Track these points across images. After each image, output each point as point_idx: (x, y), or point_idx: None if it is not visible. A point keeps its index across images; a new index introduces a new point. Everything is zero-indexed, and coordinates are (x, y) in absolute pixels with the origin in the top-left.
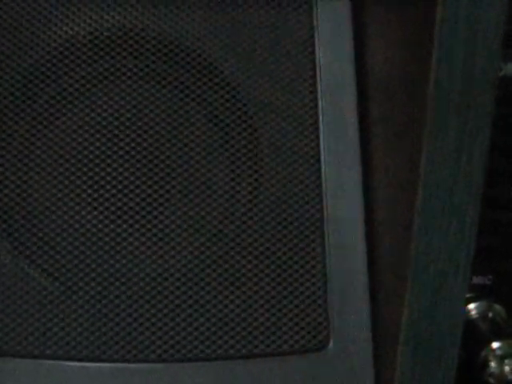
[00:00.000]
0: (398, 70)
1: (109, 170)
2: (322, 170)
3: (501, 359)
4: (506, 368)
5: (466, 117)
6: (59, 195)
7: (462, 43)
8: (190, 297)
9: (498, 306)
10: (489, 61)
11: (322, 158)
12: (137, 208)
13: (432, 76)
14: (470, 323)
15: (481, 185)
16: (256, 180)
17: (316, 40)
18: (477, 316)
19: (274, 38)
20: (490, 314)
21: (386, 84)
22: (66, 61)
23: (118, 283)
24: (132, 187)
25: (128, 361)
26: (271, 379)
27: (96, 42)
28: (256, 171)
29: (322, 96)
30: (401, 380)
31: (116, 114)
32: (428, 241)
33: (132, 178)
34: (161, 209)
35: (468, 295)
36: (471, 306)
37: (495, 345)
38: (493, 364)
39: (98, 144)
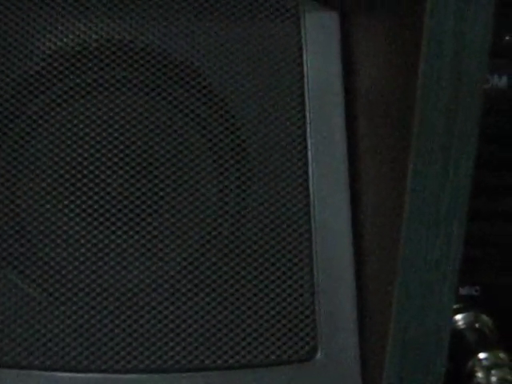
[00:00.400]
0: (386, 83)
1: (97, 180)
2: (310, 180)
3: (487, 370)
4: (493, 378)
5: (453, 129)
6: (47, 205)
7: (448, 55)
8: (178, 307)
9: (485, 317)
10: (476, 73)
11: (310, 168)
12: (125, 218)
13: (419, 88)
14: (457, 334)
15: (467, 196)
16: (244, 191)
17: (304, 51)
18: (464, 327)
19: (262, 50)
20: (477, 325)
21: (374, 96)
22: (55, 72)
23: (105, 293)
24: (121, 197)
25: (117, 371)
26: None
27: (84, 53)
28: (244, 182)
29: (310, 108)
30: None
31: (104, 125)
32: (415, 251)
33: (120, 189)
34: (149, 219)
35: (455, 306)
36: (458, 316)
37: (482, 355)
38: (479, 374)
39: (86, 155)
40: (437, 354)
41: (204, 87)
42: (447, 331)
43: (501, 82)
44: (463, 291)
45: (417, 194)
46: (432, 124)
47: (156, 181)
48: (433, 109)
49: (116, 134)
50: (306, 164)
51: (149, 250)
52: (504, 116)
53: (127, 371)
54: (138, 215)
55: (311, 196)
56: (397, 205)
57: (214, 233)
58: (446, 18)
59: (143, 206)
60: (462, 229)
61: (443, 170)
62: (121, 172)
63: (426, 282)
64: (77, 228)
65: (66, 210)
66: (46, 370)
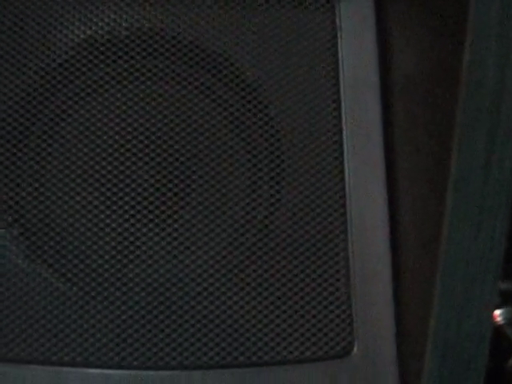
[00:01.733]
0: (426, 72)
1: (128, 172)
2: (345, 172)
3: None
4: None
5: (498, 119)
6: (76, 198)
7: (494, 42)
8: (211, 302)
9: None
10: None
11: (346, 160)
12: (157, 211)
13: (463, 76)
14: (496, 329)
15: (511, 190)
16: (277, 183)
17: (339, 40)
18: (503, 322)
19: (296, 38)
20: None
21: (412, 85)
22: (84, 61)
23: (136, 288)
24: (152, 190)
25: (148, 368)
26: None
27: (114, 41)
28: (278, 175)
29: (345, 97)
30: None
31: (135, 116)
32: (457, 246)
33: (152, 181)
34: (181, 212)
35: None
36: (498, 312)
37: None
38: None
39: (116, 146)
40: (478, 351)
41: (236, 77)
42: (489, 327)
43: None
44: (503, 286)
45: (460, 188)
46: (476, 114)
47: (188, 172)
48: (477, 98)
49: (147, 125)
50: (341, 155)
51: (180, 243)
52: None
53: (159, 368)
54: (169, 208)
55: (347, 188)
56: (438, 198)
57: (246, 226)
58: (492, 4)
59: (174, 199)
60: (505, 223)
61: (487, 162)
62: (152, 163)
63: (468, 278)
64: (107, 221)
65: (97, 203)
66: (76, 366)
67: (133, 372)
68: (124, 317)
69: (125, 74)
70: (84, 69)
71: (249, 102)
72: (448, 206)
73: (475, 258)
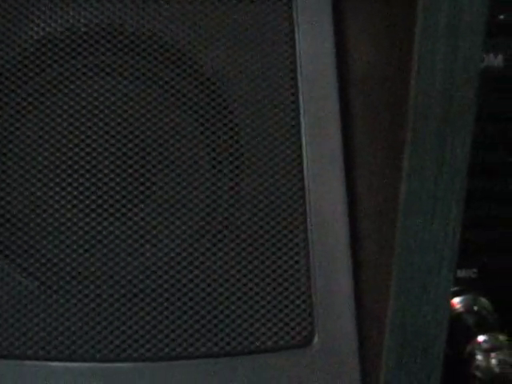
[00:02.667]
0: (380, 63)
1: (88, 167)
2: (304, 163)
3: (487, 352)
4: (493, 361)
5: (450, 108)
6: (37, 193)
7: (443, 33)
8: (172, 294)
9: (483, 300)
10: (472, 52)
11: (304, 151)
12: (118, 205)
13: (413, 67)
14: (455, 317)
15: (464, 178)
16: (237, 175)
17: (296, 32)
18: (462, 310)
19: (254, 31)
20: (476, 308)
21: (368, 77)
22: (44, 57)
23: (99, 281)
24: (113, 184)
25: (110, 360)
26: (256, 376)
27: (74, 37)
28: (237, 166)
29: (303, 90)
30: (387, 374)
31: (94, 111)
32: (412, 234)
33: (112, 175)
34: (142, 205)
35: (453, 289)
36: (456, 299)
37: (481, 338)
38: (479, 357)
39: (76, 141)
40: (436, 337)
41: (195, 71)
42: (446, 314)
43: (496, 60)
44: (461, 274)
45: (414, 176)
46: (428, 104)
47: (148, 166)
48: (428, 88)
49: (106, 120)
50: (299, 147)
51: (142, 236)
52: (500, 94)
53: (121, 360)
54: (130, 201)
55: (306, 179)
56: (393, 187)
57: (207, 218)
58: None
59: (136, 192)
60: (459, 210)
61: (440, 150)
62: (112, 158)
63: (424, 266)
64: (69, 216)
65: (58, 198)
66: (39, 359)
67: (96, 365)
68: (86, 310)
69: (84, 69)
70: (43, 65)
71: (208, 95)
72: (402, 195)
73: (430, 246)
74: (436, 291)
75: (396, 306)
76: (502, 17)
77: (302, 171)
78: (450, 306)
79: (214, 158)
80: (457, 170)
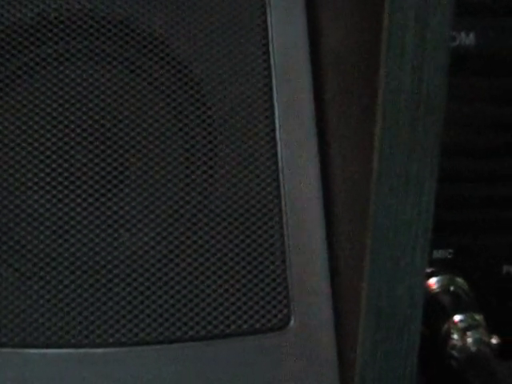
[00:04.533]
0: (353, 42)
1: (60, 152)
2: (278, 147)
3: (463, 331)
4: (469, 340)
5: (420, 86)
6: (10, 179)
7: (412, 9)
8: (147, 279)
9: (460, 280)
10: (441, 28)
11: (278, 134)
12: (91, 190)
13: (383, 44)
14: (431, 297)
15: (437, 156)
16: (211, 158)
17: (268, 17)
18: (438, 290)
19: (225, 15)
20: (452, 288)
21: (341, 57)
22: (13, 43)
23: (73, 267)
24: (85, 169)
25: (86, 346)
26: (232, 360)
27: (43, 23)
28: (211, 150)
29: (276, 72)
30: (363, 355)
31: (66, 96)
32: (384, 213)
33: (85, 160)
34: (115, 190)
35: (429, 270)
36: (433, 280)
37: (457, 317)
38: (455, 336)
39: (48, 127)
40: (411, 317)
41: (167, 55)
42: (421, 294)
43: (468, 39)
44: (437, 254)
45: (385, 155)
46: (398, 82)
47: (121, 151)
48: (398, 66)
49: (78, 105)
50: (273, 130)
51: (115, 221)
52: (472, 73)
53: (97, 345)
54: (103, 186)
55: (280, 163)
56: (366, 166)
57: (181, 202)
58: None
59: (109, 177)
60: (432, 189)
61: (412, 129)
62: (84, 143)
63: (398, 244)
64: (42, 201)
65: (31, 184)
66: (15, 347)
67: (71, 350)
68: (61, 296)
69: (55, 55)
70: (14, 51)
71: (180, 79)
72: (374, 175)
73: (404, 225)
74: (411, 271)
75: (370, 286)
76: None
77: (275, 154)
78: (427, 287)
79: (188, 143)
80: (429, 148)
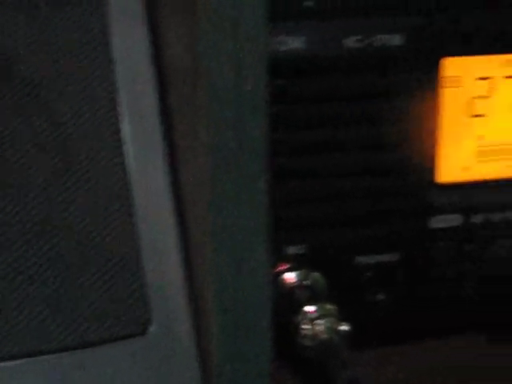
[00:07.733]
0: (183, 54)
1: None
2: (126, 162)
3: (312, 321)
4: (318, 328)
5: (242, 93)
6: None
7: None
8: (5, 288)
9: (315, 274)
10: (257, 37)
11: (126, 151)
12: None
13: (199, 57)
14: (286, 292)
15: (264, 158)
16: (69, 179)
17: (110, 37)
18: (294, 284)
19: (68, 37)
20: (306, 282)
21: (177, 68)
22: None
23: None
24: None
25: None
26: (95, 367)
27: None
28: (67, 170)
29: (122, 91)
30: (221, 354)
31: None
32: (222, 217)
33: None
34: None
35: (287, 266)
36: (289, 275)
37: (307, 308)
38: (306, 326)
39: None
40: (261, 315)
41: (16, 76)
42: (267, 292)
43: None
44: (291, 250)
45: (216, 164)
46: (220, 90)
47: None
48: (219, 75)
49: None
50: (120, 147)
51: None
52: (302, 76)
53: None
54: None
55: (128, 174)
56: (204, 170)
57: (42, 223)
58: None
59: None
60: (263, 188)
61: (238, 132)
62: None
63: (237, 246)
64: None
65: None
66: None
67: None
68: None
69: None
70: None
71: (30, 101)
72: (209, 179)
73: (240, 227)
74: (254, 267)
75: (215, 288)
76: (306, 2)
77: (124, 170)
78: (283, 282)
79: (44, 160)
80: (256, 150)
